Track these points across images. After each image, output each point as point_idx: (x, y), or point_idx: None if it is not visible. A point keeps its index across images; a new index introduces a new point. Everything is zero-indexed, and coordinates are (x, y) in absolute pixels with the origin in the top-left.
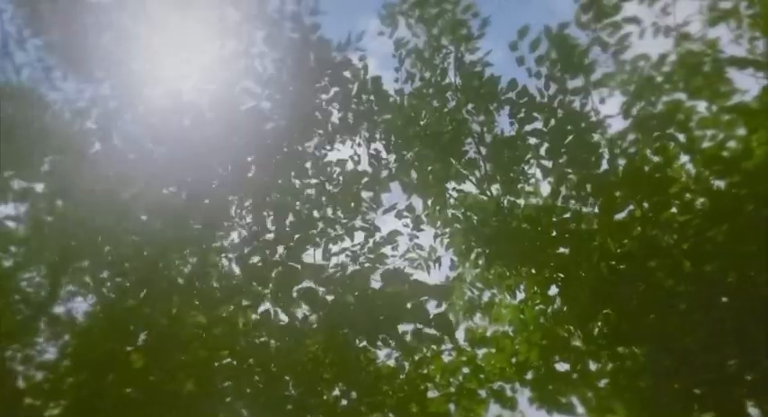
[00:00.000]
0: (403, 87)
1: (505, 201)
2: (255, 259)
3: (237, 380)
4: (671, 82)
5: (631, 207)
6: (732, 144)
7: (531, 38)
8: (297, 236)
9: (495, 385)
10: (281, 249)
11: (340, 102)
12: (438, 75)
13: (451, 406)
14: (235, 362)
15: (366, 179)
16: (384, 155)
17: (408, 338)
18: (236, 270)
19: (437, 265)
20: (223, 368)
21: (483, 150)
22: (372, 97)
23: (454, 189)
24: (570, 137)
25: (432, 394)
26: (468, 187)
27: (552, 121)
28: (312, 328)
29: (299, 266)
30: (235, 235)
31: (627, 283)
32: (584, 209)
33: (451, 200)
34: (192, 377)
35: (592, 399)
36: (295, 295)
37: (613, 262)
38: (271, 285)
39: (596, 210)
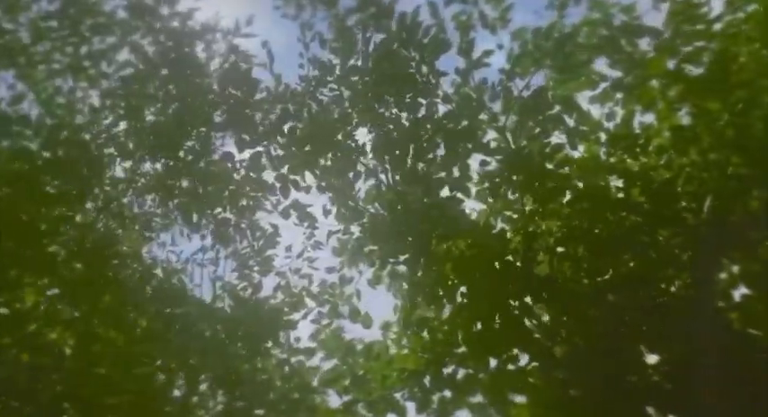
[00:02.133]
0: (308, 74)
1: (405, 195)
2: None
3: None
4: (543, 57)
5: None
6: (649, 118)
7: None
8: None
9: (388, 393)
10: None
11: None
12: (342, 60)
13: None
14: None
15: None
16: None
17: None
18: None
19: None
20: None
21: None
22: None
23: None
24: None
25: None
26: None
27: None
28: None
29: None
30: None
31: (510, 282)
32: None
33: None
34: None
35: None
36: None
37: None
38: None
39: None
